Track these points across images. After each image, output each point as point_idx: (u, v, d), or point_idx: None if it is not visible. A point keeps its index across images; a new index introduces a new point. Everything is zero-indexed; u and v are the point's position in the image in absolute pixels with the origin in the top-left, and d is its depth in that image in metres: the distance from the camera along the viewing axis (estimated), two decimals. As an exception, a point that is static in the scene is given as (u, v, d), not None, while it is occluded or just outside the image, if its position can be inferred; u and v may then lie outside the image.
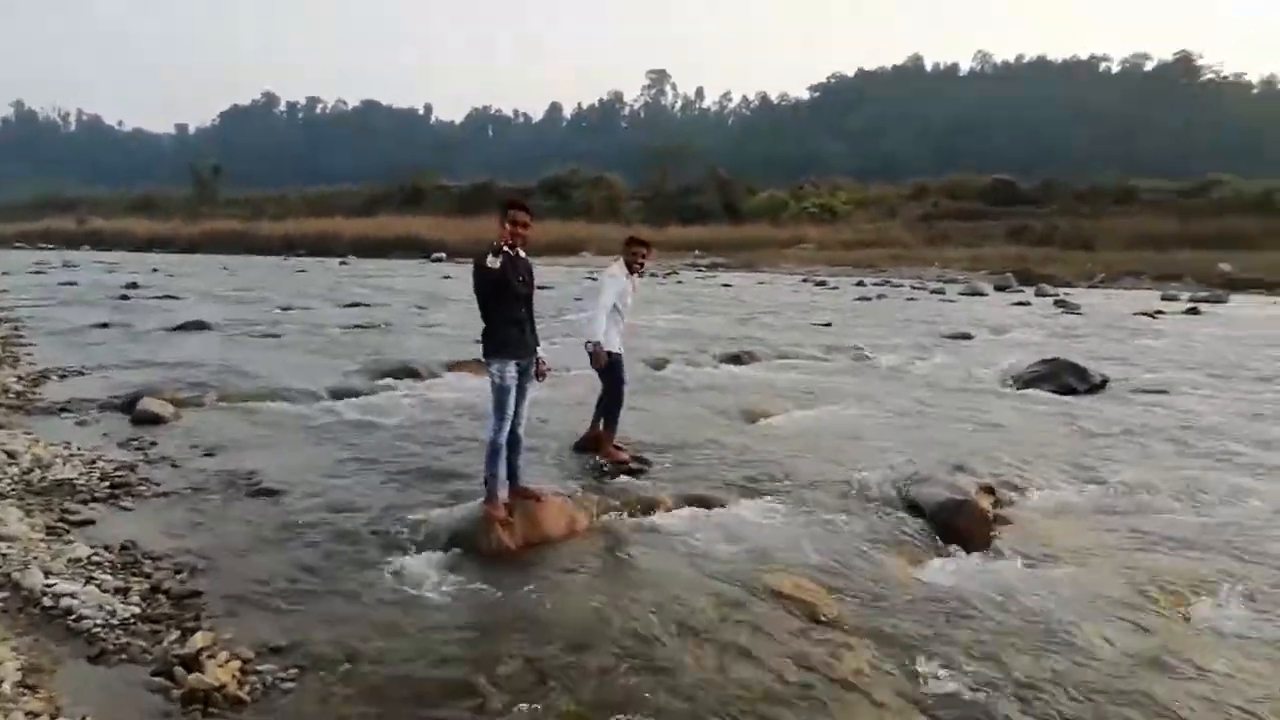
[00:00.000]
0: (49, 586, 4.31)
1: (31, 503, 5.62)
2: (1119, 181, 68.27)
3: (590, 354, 6.80)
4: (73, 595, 4.23)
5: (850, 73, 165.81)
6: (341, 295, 24.00)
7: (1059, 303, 24.72)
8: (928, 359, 13.67)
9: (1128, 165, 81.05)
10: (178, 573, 4.70)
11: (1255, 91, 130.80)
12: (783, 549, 5.37)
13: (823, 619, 4.40)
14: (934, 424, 8.96)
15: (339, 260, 48.91)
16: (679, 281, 34.14)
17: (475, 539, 5.28)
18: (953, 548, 5.52)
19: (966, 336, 16.69)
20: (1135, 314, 22.06)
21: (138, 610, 4.21)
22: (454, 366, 11.76)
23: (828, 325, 18.33)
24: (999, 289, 30.88)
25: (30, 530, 5.07)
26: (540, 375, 5.64)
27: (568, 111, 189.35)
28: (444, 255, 54.58)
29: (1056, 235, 49.86)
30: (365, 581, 4.74)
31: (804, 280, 36.12)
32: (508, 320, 5.41)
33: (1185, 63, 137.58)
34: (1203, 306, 24.10)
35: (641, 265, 7.01)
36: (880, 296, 27.34)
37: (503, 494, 5.51)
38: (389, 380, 10.74)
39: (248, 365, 11.38)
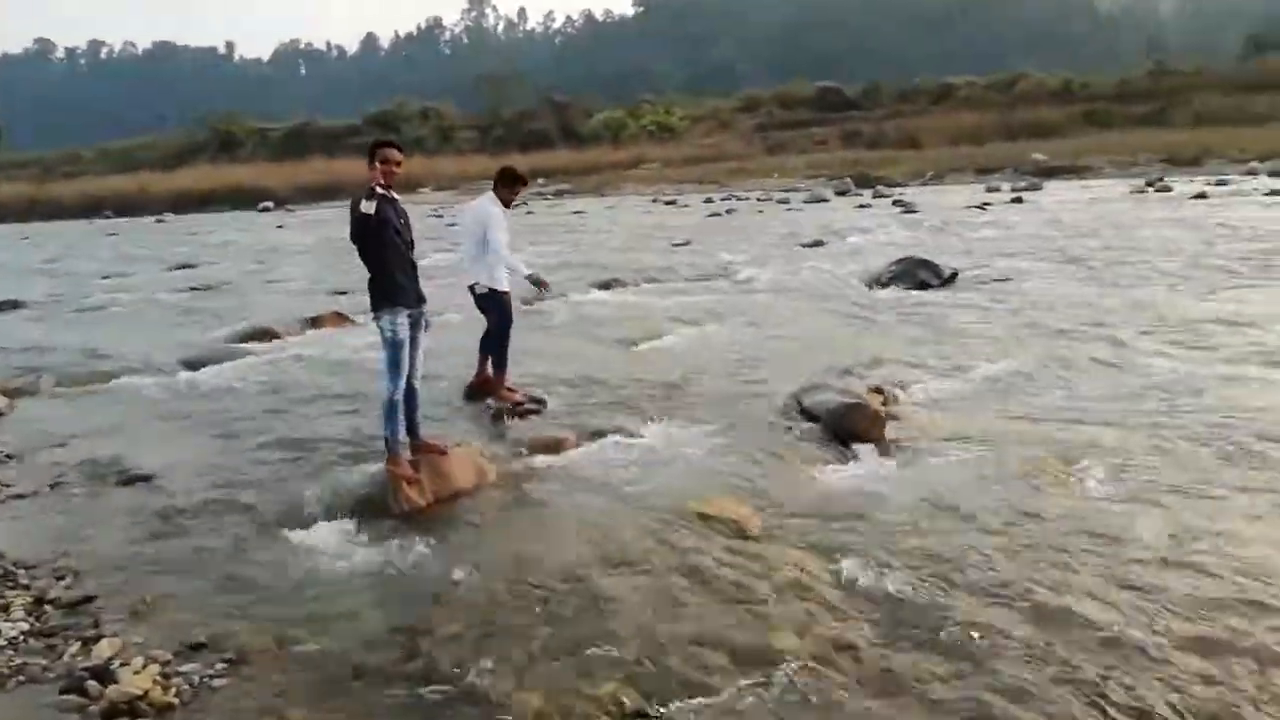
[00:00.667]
0: (-89, 618, 3.85)
1: None
2: (935, 81, 71.53)
3: (487, 296, 6.61)
4: (-57, 623, 3.80)
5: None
6: (167, 257, 22.23)
7: (897, 203, 25.84)
8: (789, 268, 14.03)
9: (947, 64, 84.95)
10: (60, 579, 4.28)
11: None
12: (695, 471, 5.43)
13: (751, 535, 4.49)
14: (810, 332, 9.24)
15: (154, 218, 45.19)
16: (529, 212, 33.54)
17: (383, 501, 5.07)
18: (854, 448, 5.74)
19: (820, 244, 17.23)
20: (966, 207, 23.35)
21: (25, 626, 3.82)
22: (314, 322, 11.17)
23: (686, 244, 18.47)
24: (840, 194, 31.94)
25: None
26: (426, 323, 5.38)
27: (384, 41, 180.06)
28: (271, 204, 51.30)
29: (886, 138, 51.85)
30: (274, 561, 4.47)
31: (653, 200, 36.19)
32: (393, 267, 5.12)
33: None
34: (1025, 195, 25.72)
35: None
36: (730, 211, 27.76)
37: (404, 452, 5.29)
38: (245, 345, 10.09)
39: (81, 343, 10.41)
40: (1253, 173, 28.85)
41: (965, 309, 9.94)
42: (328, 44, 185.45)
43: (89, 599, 4.06)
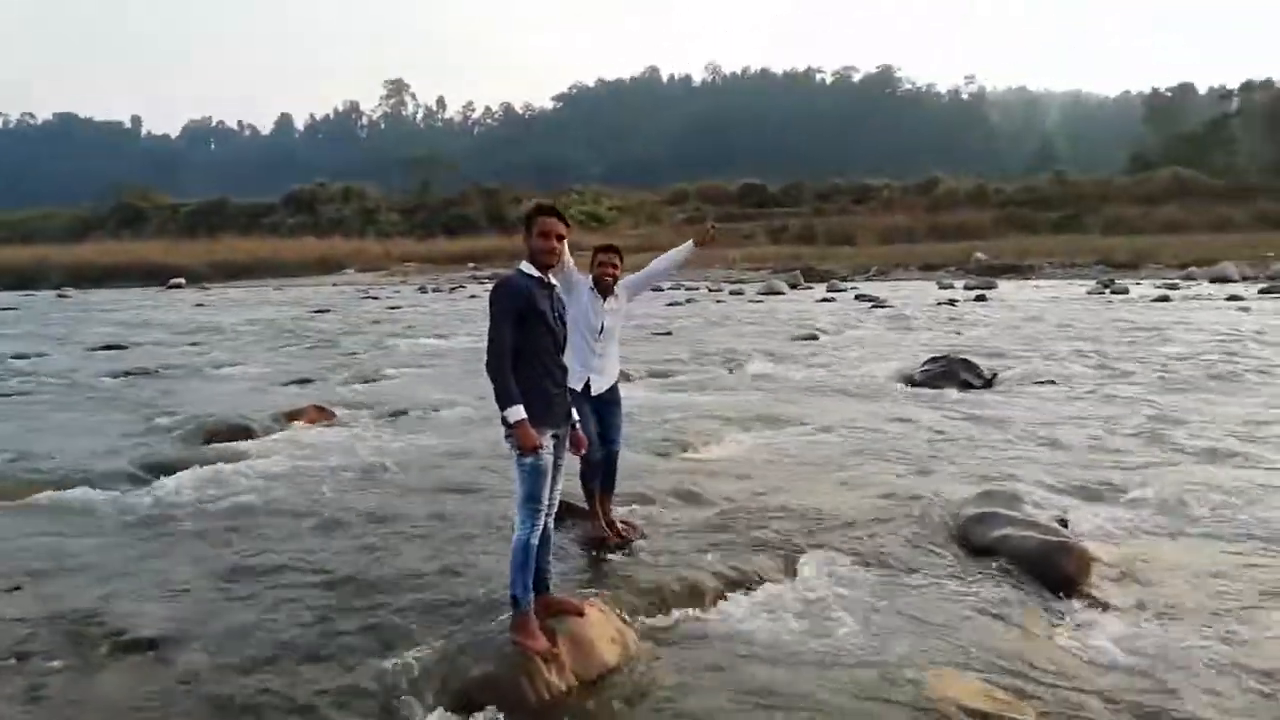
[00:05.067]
0: None
1: None
2: (854, 182, 74.24)
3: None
4: None
5: (591, 82, 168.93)
6: (83, 335, 20.03)
7: (860, 297, 25.58)
8: (800, 365, 13.12)
9: (848, 164, 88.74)
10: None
11: (944, 100, 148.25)
12: (893, 633, 4.21)
13: (1056, 742, 3.28)
14: (887, 440, 8.18)
15: (55, 293, 41.99)
16: (472, 296, 32.19)
17: (512, 685, 3.67)
18: (1065, 600, 4.62)
19: (813, 337, 16.45)
20: (938, 304, 23.16)
21: None
22: (291, 418, 9.56)
23: (668, 334, 17.49)
24: (793, 286, 31.70)
25: None
26: (577, 446, 4.10)
27: (299, 123, 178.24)
28: (183, 281, 48.60)
29: (818, 234, 52.79)
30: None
31: (597, 288, 35.31)
32: (541, 369, 3.83)
33: (887, 75, 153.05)
34: (986, 293, 25.83)
35: (613, 279, 5.33)
36: (690, 300, 27.06)
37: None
38: (215, 445, 8.45)
39: (5, 441, 8.59)
40: (1191, 278, 29.90)
41: (1032, 417, 9.07)
42: (239, 122, 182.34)
43: None
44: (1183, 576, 4.85)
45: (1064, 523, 5.40)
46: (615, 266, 5.08)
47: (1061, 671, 3.82)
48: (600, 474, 5.27)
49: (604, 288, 5.01)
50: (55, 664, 3.97)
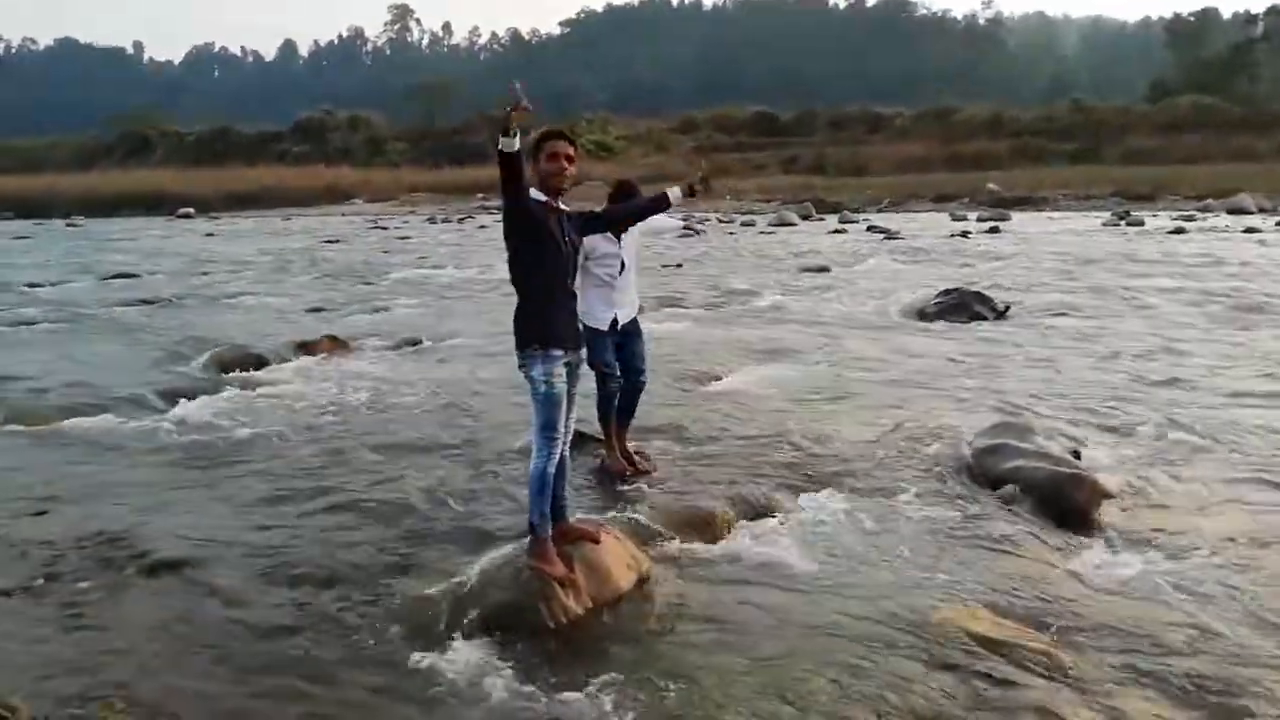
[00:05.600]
0: None
1: None
2: (867, 110, 72.76)
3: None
4: None
5: (599, 7, 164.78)
6: (95, 265, 20.05)
7: (872, 229, 25.34)
8: (813, 297, 13.07)
9: (866, 93, 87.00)
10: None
11: (960, 25, 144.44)
12: (904, 564, 4.27)
13: (1069, 671, 3.34)
14: (897, 372, 8.20)
15: (65, 221, 41.88)
16: (482, 226, 32.02)
17: (530, 609, 3.76)
18: (1077, 532, 4.66)
19: (825, 269, 16.36)
20: (951, 235, 22.93)
21: None
22: (305, 348, 9.62)
23: (679, 266, 17.41)
24: (804, 218, 31.39)
25: None
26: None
27: (303, 49, 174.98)
28: (192, 210, 48.36)
29: (829, 164, 52.00)
30: (400, 708, 3.14)
31: (608, 219, 34.99)
32: (553, 294, 3.84)
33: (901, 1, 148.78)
34: (1000, 225, 25.54)
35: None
36: (699, 232, 26.84)
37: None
38: (231, 374, 8.53)
39: (25, 368, 8.69)
40: (1208, 209, 29.48)
41: (1047, 348, 9.06)
42: (243, 48, 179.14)
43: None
44: (1194, 508, 4.89)
45: (1077, 454, 5.44)
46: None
47: (1072, 600, 3.88)
48: (619, 406, 5.32)
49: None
50: (84, 584, 4.09)
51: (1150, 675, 3.27)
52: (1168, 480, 5.34)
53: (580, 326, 4.21)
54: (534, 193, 3.83)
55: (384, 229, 33.44)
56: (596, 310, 5.13)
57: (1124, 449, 5.89)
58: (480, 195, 51.49)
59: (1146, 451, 5.85)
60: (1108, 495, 4.96)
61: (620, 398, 5.31)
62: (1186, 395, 7.23)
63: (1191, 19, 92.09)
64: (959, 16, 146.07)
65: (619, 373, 5.24)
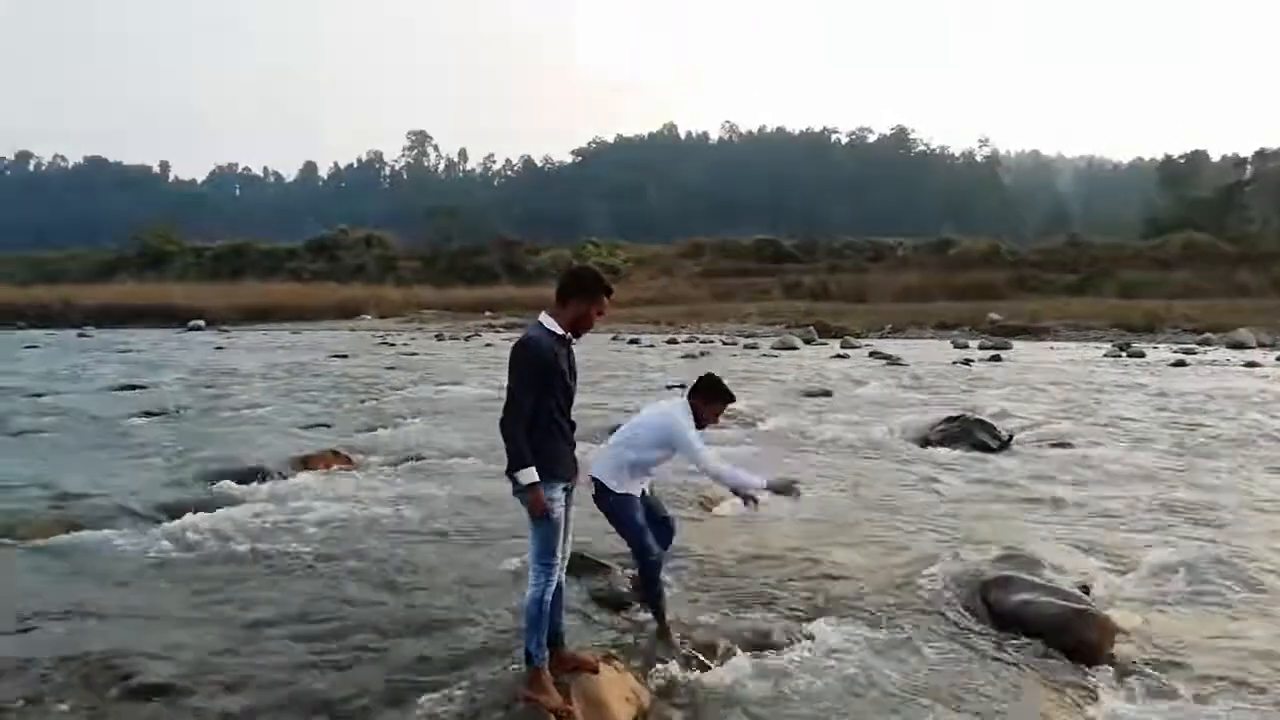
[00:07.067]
0: None
1: None
2: (868, 240, 74.71)
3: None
4: None
5: (610, 138, 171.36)
6: (102, 376, 20.20)
7: (874, 354, 25.56)
8: (814, 422, 13.06)
9: (863, 223, 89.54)
10: None
11: (958, 162, 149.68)
12: (908, 701, 4.15)
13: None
14: (904, 502, 8.13)
15: (76, 332, 42.46)
16: (487, 344, 32.36)
17: (525, 742, 3.64)
18: (1088, 669, 4.55)
19: (826, 394, 16.42)
20: (953, 363, 23.11)
21: None
22: (306, 463, 9.59)
23: (681, 386, 17.44)
24: (807, 342, 31.73)
25: None
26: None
27: (324, 171, 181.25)
28: (203, 324, 49.14)
29: (831, 290, 52.96)
30: None
31: (614, 339, 35.47)
32: (554, 425, 3.84)
33: (900, 136, 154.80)
34: (1001, 354, 25.77)
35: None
36: (703, 354, 27.11)
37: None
38: (231, 486, 8.48)
39: (21, 477, 8.64)
40: (1207, 343, 29.78)
41: (1050, 480, 9.01)
42: (265, 169, 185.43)
43: None
44: (1204, 646, 4.78)
45: (1086, 589, 5.34)
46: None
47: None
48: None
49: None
50: (64, 707, 3.97)
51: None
52: (1177, 616, 5.24)
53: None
54: (551, 324, 3.84)
55: (391, 344, 33.78)
56: (630, 484, 4.79)
57: (1132, 583, 5.79)
58: (488, 313, 52.39)
59: (1155, 586, 5.75)
60: (1119, 631, 4.86)
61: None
62: (1192, 527, 7.15)
63: (1182, 161, 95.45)
64: (957, 153, 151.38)
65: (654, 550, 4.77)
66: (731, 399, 4.94)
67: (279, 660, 4.47)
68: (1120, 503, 8.00)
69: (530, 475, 3.64)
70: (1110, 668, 4.54)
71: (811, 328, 35.24)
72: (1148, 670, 4.50)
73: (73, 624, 4.93)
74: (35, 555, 6.32)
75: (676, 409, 4.75)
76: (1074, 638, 4.70)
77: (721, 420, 5.35)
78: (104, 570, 5.97)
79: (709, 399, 4.76)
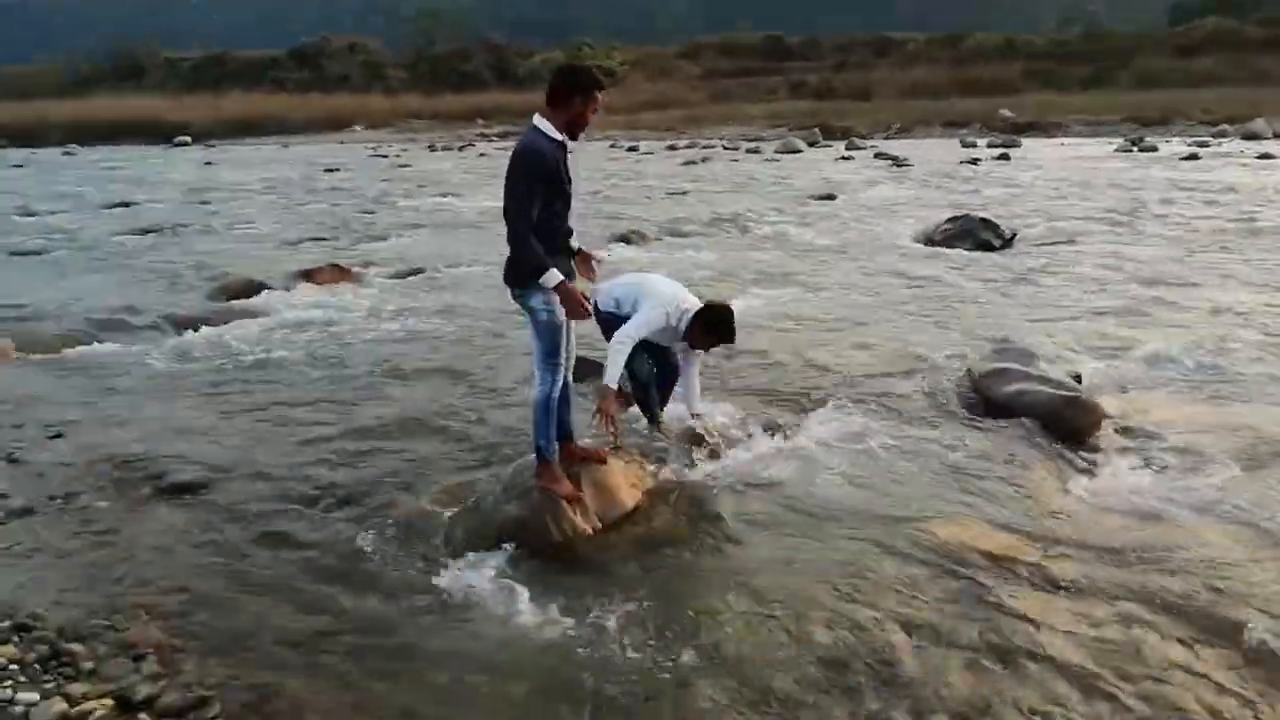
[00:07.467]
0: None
1: None
2: (875, 35, 71.06)
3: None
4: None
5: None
6: (95, 194, 19.91)
7: (880, 156, 24.98)
8: (817, 225, 12.96)
9: (871, 19, 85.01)
10: (138, 658, 2.97)
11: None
12: (902, 481, 4.35)
13: (1063, 584, 3.43)
14: (906, 299, 8.19)
15: (60, 150, 41.42)
16: (481, 155, 31.61)
17: (539, 527, 3.85)
18: (1077, 453, 4.73)
19: (830, 197, 16.18)
20: (960, 162, 22.62)
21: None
22: (309, 276, 9.62)
23: (684, 193, 17.22)
24: (811, 144, 30.94)
25: None
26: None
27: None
28: (189, 139, 47.83)
29: (837, 89, 51.01)
30: (416, 619, 3.22)
31: (611, 146, 34.61)
32: (553, 230, 3.79)
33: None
34: (1009, 152, 25.18)
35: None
36: (704, 160, 26.52)
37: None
38: (236, 301, 8.57)
39: (29, 297, 8.72)
40: (1223, 134, 28.98)
41: (1051, 275, 9.04)
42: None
43: (204, 701, 2.76)
44: (1191, 429, 4.94)
45: (1078, 378, 5.48)
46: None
47: (1069, 519, 3.96)
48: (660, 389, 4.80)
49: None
50: (103, 504, 4.19)
51: (1139, 587, 3.36)
52: (1167, 401, 5.40)
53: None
54: (548, 129, 3.70)
55: (384, 156, 33.04)
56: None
57: (1124, 372, 5.94)
58: (480, 121, 50.83)
59: (1147, 373, 5.90)
60: (1107, 416, 5.02)
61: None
62: (1189, 317, 7.25)
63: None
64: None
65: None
66: (730, 340, 4.46)
67: (296, 459, 4.66)
68: (1117, 296, 8.06)
69: (554, 277, 3.63)
70: (1099, 449, 4.72)
71: (816, 129, 34.19)
72: (1134, 449, 4.68)
73: (97, 432, 5.11)
74: (51, 369, 6.48)
75: (664, 304, 4.36)
76: (1065, 423, 4.86)
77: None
78: (120, 382, 6.13)
79: (707, 330, 4.38)
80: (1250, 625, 3.06)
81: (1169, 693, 2.74)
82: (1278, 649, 2.93)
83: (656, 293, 4.43)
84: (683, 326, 4.38)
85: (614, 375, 4.19)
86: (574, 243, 3.97)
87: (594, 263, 4.07)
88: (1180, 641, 3.01)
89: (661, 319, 4.34)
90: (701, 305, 4.44)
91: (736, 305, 7.45)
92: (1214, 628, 3.08)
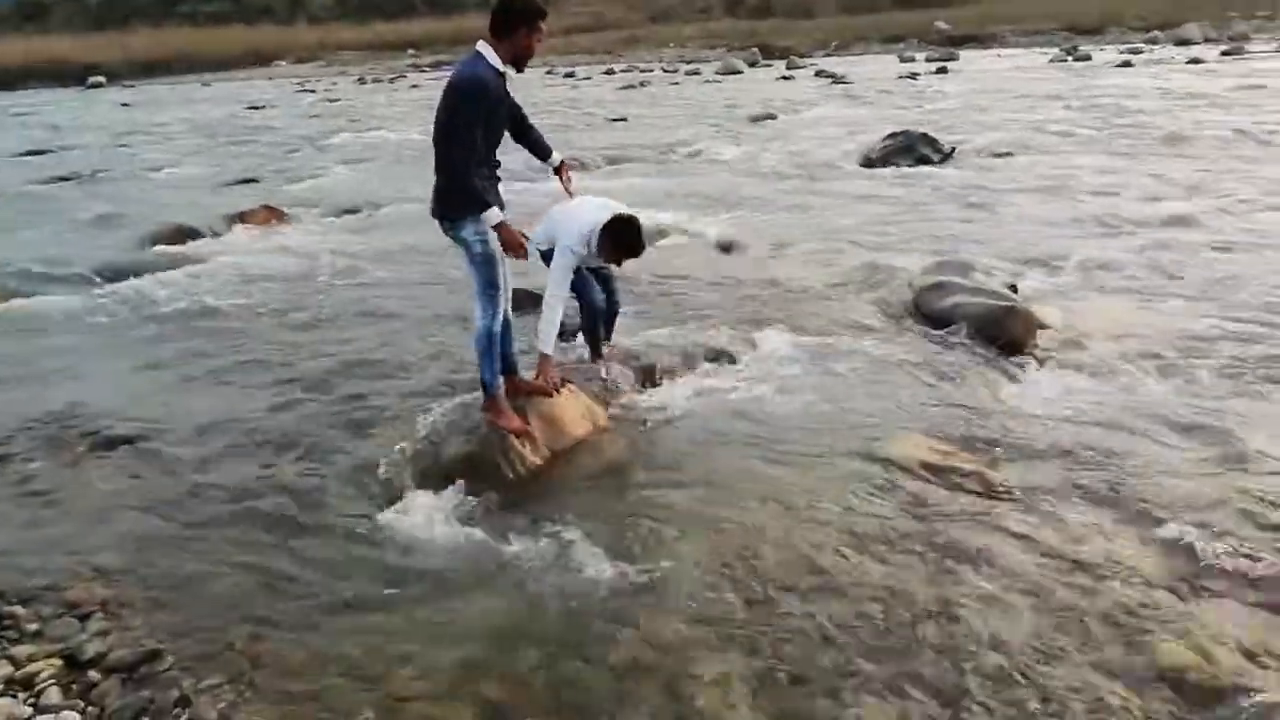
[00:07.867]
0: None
1: None
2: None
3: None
4: None
5: None
6: (10, 141, 18.94)
7: (819, 74, 24.77)
8: (759, 147, 12.88)
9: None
10: (82, 617, 2.93)
11: None
12: (847, 398, 4.42)
13: (998, 491, 3.53)
14: (844, 217, 8.23)
15: (-36, 97, 39.22)
16: (414, 86, 30.68)
17: (490, 460, 3.85)
18: (1013, 361, 4.85)
19: (771, 117, 16.07)
20: (898, 78, 22.54)
21: None
22: (242, 218, 9.34)
23: (623, 120, 16.93)
24: (751, 65, 30.55)
25: None
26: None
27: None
28: (104, 79, 45.54)
29: (774, 6, 50.19)
30: (367, 562, 3.22)
31: (547, 73, 33.76)
32: (488, 162, 3.70)
33: None
34: (948, 65, 25.15)
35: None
36: (642, 84, 26.04)
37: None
38: (168, 249, 8.30)
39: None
40: (1154, 41, 29.23)
41: (990, 188, 9.13)
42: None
43: (155, 654, 2.75)
44: (1123, 336, 5.08)
45: (1013, 288, 5.58)
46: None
47: (1007, 425, 4.07)
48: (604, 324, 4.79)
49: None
50: (36, 464, 4.07)
51: (1077, 487, 3.49)
52: (1103, 307, 5.54)
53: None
54: (493, 58, 3.57)
55: (312, 92, 31.89)
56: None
57: (1060, 280, 6.07)
58: (411, 51, 49.19)
59: (1081, 282, 6.04)
60: (1042, 326, 5.14)
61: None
62: (1122, 226, 7.40)
63: None
64: None
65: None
66: (637, 254, 4.26)
67: (238, 406, 4.58)
68: (1054, 207, 8.19)
69: (495, 215, 3.57)
70: (1033, 357, 4.84)
71: (755, 49, 33.71)
72: (1066, 358, 4.80)
73: (28, 388, 4.96)
74: (-21, 324, 6.23)
75: (572, 241, 4.16)
76: (1001, 332, 4.97)
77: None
78: (49, 336, 5.93)
79: (615, 244, 4.18)
80: (1172, 521, 3.20)
81: (1102, 588, 2.86)
82: (1197, 542, 3.06)
83: (564, 229, 4.21)
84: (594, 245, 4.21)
85: (549, 340, 4.13)
86: (555, 157, 4.09)
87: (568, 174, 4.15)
88: (1109, 537, 3.14)
89: (574, 257, 4.17)
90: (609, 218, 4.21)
91: (681, 232, 7.46)
92: (1141, 524, 3.22)
